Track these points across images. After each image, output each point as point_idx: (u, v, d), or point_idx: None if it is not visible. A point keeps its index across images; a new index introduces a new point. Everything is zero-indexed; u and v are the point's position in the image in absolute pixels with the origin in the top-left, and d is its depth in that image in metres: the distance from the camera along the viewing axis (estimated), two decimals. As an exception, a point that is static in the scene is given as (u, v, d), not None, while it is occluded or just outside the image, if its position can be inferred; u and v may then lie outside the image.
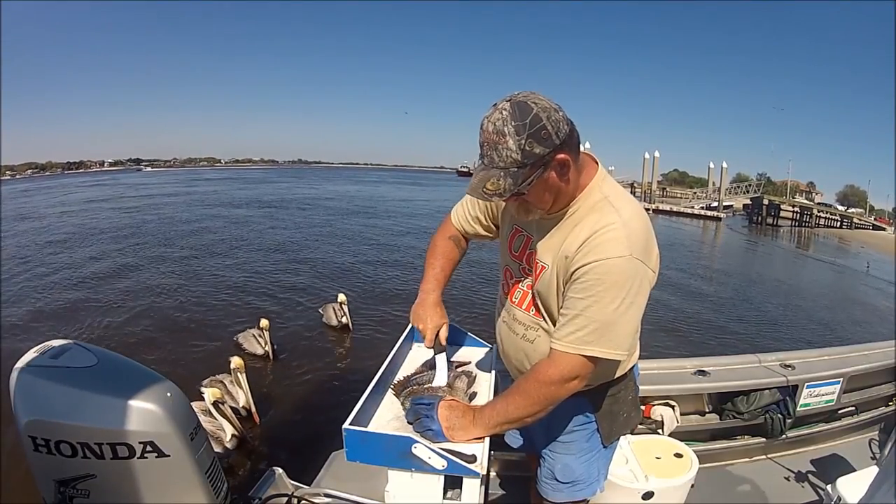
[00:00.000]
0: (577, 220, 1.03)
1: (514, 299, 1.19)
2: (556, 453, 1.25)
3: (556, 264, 1.04)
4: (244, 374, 3.91)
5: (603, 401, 1.20)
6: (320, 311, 6.36)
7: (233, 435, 3.50)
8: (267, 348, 5.01)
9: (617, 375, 1.19)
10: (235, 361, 3.88)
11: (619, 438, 1.30)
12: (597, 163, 1.08)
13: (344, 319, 6.02)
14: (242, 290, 7.97)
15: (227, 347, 5.21)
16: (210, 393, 3.45)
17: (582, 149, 1.04)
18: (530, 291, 1.13)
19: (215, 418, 3.46)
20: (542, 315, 1.12)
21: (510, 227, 1.19)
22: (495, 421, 1.05)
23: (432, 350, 1.28)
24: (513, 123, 0.90)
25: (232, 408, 3.66)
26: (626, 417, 1.26)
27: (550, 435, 1.25)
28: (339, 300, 6.05)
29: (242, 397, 3.92)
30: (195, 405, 3.52)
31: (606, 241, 0.97)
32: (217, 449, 3.41)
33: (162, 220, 16.79)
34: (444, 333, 1.27)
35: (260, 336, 5.06)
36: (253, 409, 3.95)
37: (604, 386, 1.19)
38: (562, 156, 0.95)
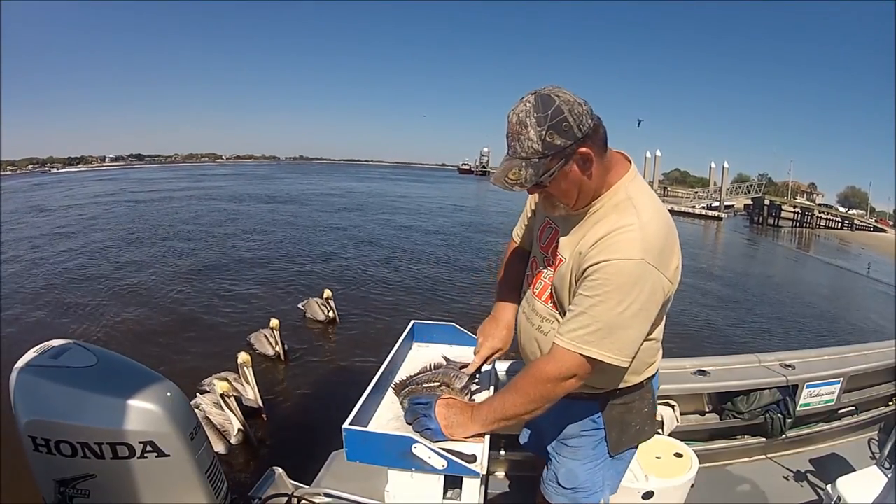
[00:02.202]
0: (598, 218, 1.02)
1: (535, 290, 1.18)
2: (562, 456, 1.23)
3: (573, 259, 1.04)
4: (251, 369, 3.93)
5: (614, 408, 1.17)
6: (301, 306, 6.42)
7: (239, 429, 3.52)
8: (278, 349, 5.04)
9: (631, 383, 1.16)
10: (242, 357, 3.92)
11: (632, 450, 1.25)
12: (630, 162, 1.07)
13: (331, 314, 6.11)
14: (241, 286, 8.00)
15: (232, 345, 5.21)
16: (219, 385, 3.50)
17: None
18: (550, 284, 1.13)
19: (224, 411, 3.51)
20: (558, 309, 1.11)
21: (542, 219, 1.20)
22: (492, 417, 1.05)
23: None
24: (535, 115, 0.93)
25: (239, 403, 3.71)
26: (639, 430, 1.21)
27: (559, 437, 1.24)
28: (324, 296, 6.14)
29: (250, 392, 3.94)
30: (207, 397, 3.56)
31: (620, 242, 0.95)
32: (218, 448, 3.44)
33: (171, 216, 16.89)
34: (493, 358, 1.30)
35: (270, 336, 5.07)
36: (260, 404, 3.98)
37: (617, 392, 1.16)
38: (584, 149, 0.95)
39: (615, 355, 0.97)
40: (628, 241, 0.95)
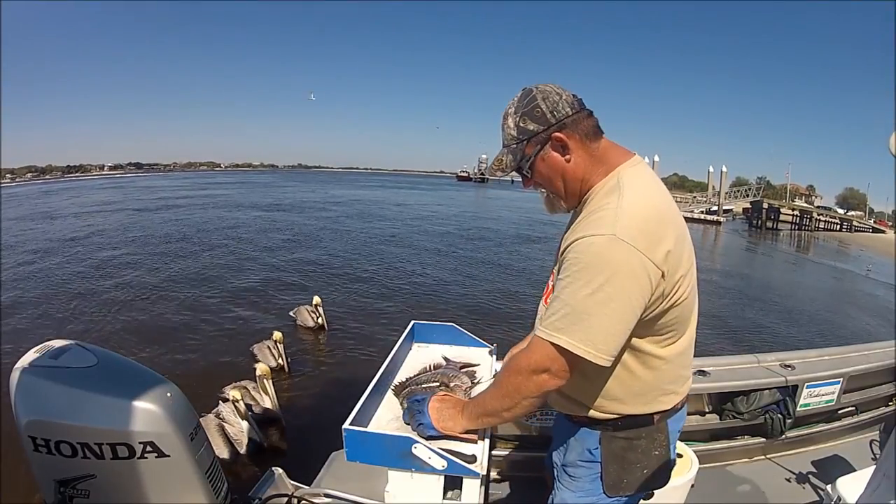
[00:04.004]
0: (590, 207, 0.97)
1: (545, 298, 1.12)
2: (560, 483, 1.15)
3: (560, 250, 1.00)
4: (270, 381, 4.00)
5: (614, 442, 1.05)
6: (291, 314, 6.47)
7: (251, 438, 3.58)
8: (281, 361, 5.06)
9: (633, 412, 1.03)
10: (261, 368, 4.00)
11: (638, 497, 1.10)
12: (633, 154, 1.04)
13: (320, 320, 6.19)
14: (238, 291, 8.00)
15: (236, 354, 5.29)
16: (232, 393, 3.59)
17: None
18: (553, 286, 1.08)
19: (238, 420, 3.57)
20: None
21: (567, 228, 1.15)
22: (477, 412, 1.03)
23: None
24: (514, 105, 1.00)
25: (257, 413, 3.80)
26: (646, 473, 1.05)
27: (562, 462, 1.16)
28: (314, 302, 6.20)
29: (268, 402, 4.01)
30: (229, 405, 3.65)
31: (593, 220, 0.90)
32: (224, 453, 3.45)
33: (177, 224, 16.87)
34: None
35: (274, 348, 5.11)
36: (279, 412, 4.03)
37: (619, 423, 1.04)
38: (559, 134, 0.97)
39: (585, 346, 0.87)
40: (600, 219, 0.90)
